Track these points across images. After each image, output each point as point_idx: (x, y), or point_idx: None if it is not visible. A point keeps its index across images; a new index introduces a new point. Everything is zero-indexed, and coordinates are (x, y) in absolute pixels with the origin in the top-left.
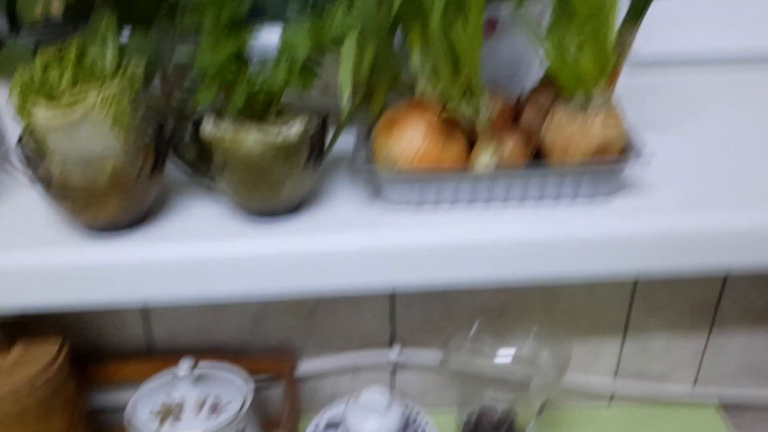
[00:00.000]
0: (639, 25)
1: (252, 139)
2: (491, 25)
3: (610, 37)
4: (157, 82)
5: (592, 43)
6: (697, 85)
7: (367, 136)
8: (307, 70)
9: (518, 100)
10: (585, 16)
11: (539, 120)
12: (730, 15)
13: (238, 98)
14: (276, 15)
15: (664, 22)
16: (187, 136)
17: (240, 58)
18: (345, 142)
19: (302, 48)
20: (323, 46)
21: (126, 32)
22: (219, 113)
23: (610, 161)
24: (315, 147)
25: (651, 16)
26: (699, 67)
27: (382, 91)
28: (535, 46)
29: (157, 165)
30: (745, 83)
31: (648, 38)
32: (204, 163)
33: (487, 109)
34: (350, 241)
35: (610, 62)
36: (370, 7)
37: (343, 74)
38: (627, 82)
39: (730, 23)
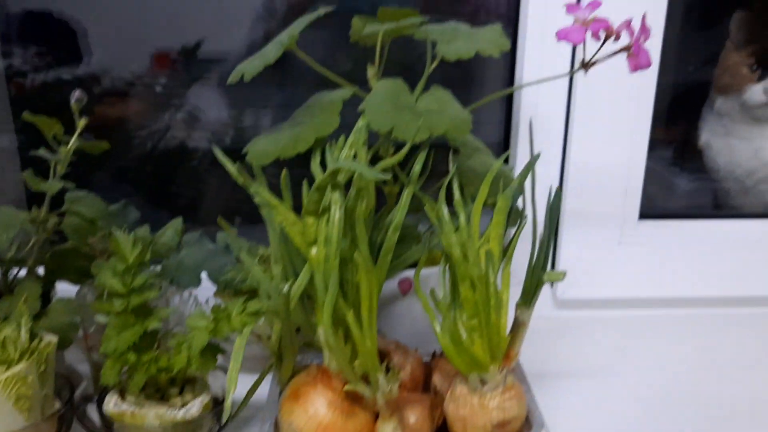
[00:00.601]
0: (532, 307)
1: (153, 416)
2: (407, 284)
3: (501, 323)
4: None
5: (484, 329)
6: (624, 325)
7: (277, 399)
8: (207, 355)
9: (433, 357)
10: (473, 303)
11: (446, 385)
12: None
13: (139, 379)
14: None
15: (590, 265)
16: (92, 408)
17: (145, 341)
18: (260, 392)
19: (201, 336)
20: (222, 335)
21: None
22: (122, 389)
23: None
24: (217, 419)
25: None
26: (628, 307)
27: (290, 359)
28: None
29: None
30: (670, 324)
31: (575, 279)
32: None
33: (385, 389)
34: None
35: (502, 348)
36: (274, 294)
37: (231, 374)
38: (554, 320)
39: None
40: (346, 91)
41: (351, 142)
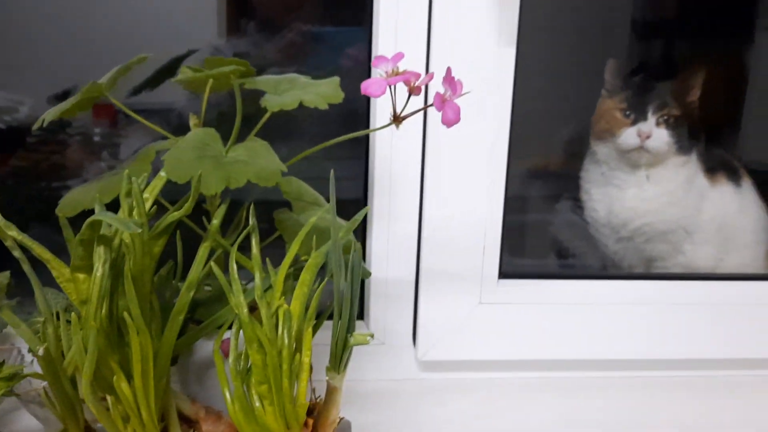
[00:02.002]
0: (343, 371)
1: None
2: (226, 345)
3: (300, 389)
4: None
5: (275, 396)
6: (489, 389)
7: None
8: None
9: None
10: (261, 368)
11: None
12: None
13: None
14: None
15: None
16: None
17: None
18: None
19: None
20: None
21: None
22: None
23: None
24: None
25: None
26: (492, 369)
27: (74, 426)
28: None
29: None
30: (536, 388)
31: (436, 340)
32: None
33: None
34: None
35: (299, 416)
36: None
37: None
38: (417, 383)
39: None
40: (168, 142)
41: (131, 190)
